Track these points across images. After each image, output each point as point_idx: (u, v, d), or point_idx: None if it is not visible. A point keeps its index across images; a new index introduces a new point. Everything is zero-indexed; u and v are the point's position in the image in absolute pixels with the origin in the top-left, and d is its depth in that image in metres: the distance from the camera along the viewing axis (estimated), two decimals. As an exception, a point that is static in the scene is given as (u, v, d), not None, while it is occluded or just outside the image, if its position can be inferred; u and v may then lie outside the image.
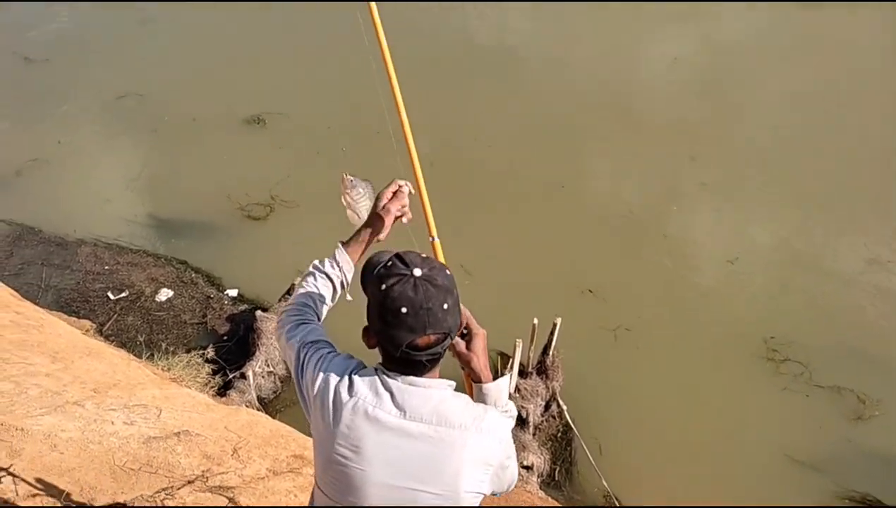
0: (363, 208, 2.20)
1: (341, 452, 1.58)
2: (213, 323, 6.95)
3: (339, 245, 2.03)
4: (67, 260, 7.39)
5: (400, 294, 1.56)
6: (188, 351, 6.20)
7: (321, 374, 1.66)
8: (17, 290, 6.20)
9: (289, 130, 8.94)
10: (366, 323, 1.66)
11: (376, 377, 1.64)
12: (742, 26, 11.01)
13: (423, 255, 1.68)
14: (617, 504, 5.24)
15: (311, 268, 2.00)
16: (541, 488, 5.30)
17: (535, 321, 5.72)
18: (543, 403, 5.94)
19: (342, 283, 2.04)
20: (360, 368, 1.69)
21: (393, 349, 1.59)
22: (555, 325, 5.78)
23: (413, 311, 1.55)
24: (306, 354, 1.72)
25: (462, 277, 6.98)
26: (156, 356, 5.80)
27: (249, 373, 5.99)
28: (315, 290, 1.95)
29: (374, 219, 2.05)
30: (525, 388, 5.84)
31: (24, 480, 2.59)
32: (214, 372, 6.10)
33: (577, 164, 8.61)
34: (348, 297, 2.06)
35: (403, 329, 1.56)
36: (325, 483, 1.65)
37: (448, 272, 1.66)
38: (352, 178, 2.22)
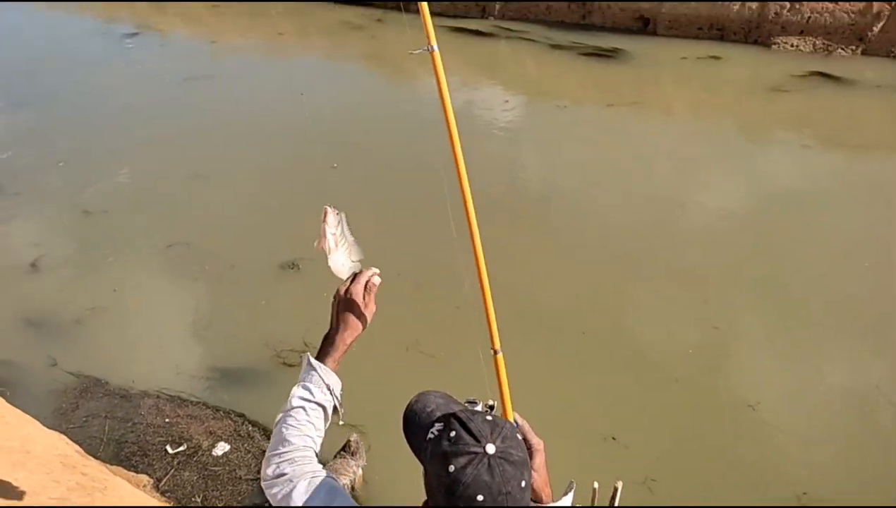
0: (342, 252, 1.94)
1: None
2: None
3: (316, 362, 1.77)
4: (130, 413, 7.54)
5: (474, 479, 1.33)
6: (243, 509, 6.12)
7: None
8: (80, 444, 6.32)
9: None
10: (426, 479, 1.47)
11: None
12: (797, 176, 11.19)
13: (489, 417, 1.45)
14: None
15: (297, 401, 1.76)
16: None
17: (596, 485, 5.53)
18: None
19: (335, 408, 1.84)
20: None
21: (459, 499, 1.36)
22: (616, 490, 5.57)
23: (491, 498, 1.34)
24: None
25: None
26: (211, 519, 5.75)
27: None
28: (311, 427, 1.75)
29: (348, 318, 1.82)
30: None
31: None
32: (268, 534, 5.99)
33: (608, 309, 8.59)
34: (341, 422, 1.88)
35: (513, 491, 1.35)
36: None
37: (519, 437, 1.47)
38: (337, 212, 1.93)
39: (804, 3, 15.74)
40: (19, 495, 3.75)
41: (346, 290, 1.85)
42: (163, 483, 6.66)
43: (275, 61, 18.65)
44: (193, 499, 6.36)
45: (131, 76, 17.46)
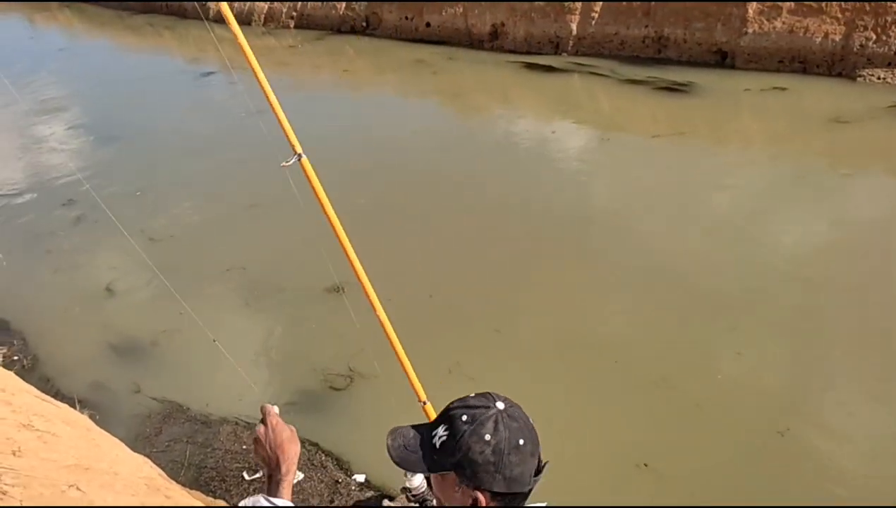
0: None
1: None
2: (338, 515, 6.95)
3: (269, 500, 1.72)
4: (210, 439, 7.74)
5: (510, 431, 1.54)
6: (316, 540, 6.16)
7: None
8: (163, 468, 6.51)
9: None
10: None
11: None
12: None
13: (472, 395, 1.66)
14: None
15: None
16: None
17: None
18: None
19: None
20: None
21: (524, 485, 1.55)
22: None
23: (530, 437, 1.56)
24: None
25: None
26: None
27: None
28: None
29: (284, 447, 1.81)
30: None
31: None
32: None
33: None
34: None
35: (528, 457, 1.55)
36: None
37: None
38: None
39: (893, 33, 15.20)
40: (110, 515, 3.89)
41: (268, 428, 1.85)
42: (239, 508, 6.78)
43: (339, 95, 19.26)
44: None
45: (207, 110, 18.31)
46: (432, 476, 1.69)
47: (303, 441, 7.77)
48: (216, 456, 7.54)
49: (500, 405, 1.59)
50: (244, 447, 7.65)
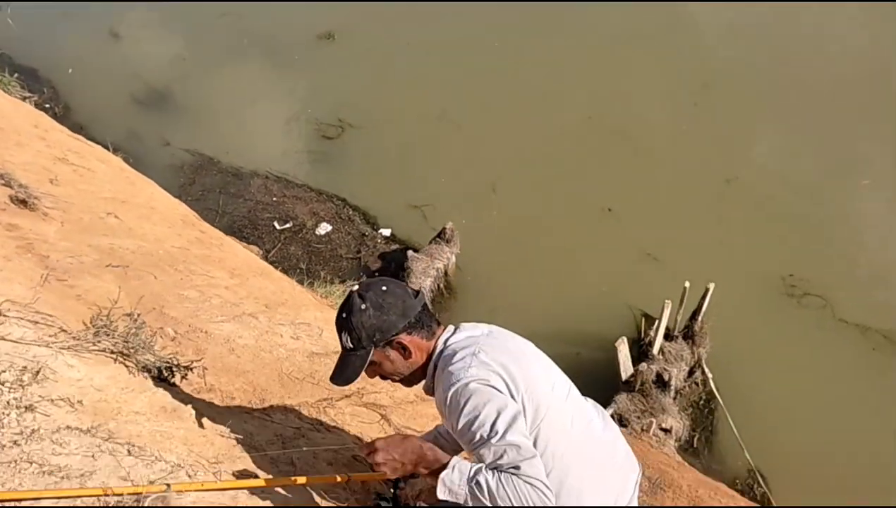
0: None
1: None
2: (367, 260, 7.30)
3: (452, 479, 1.73)
4: (241, 190, 7.98)
5: (369, 289, 1.89)
6: (343, 282, 6.54)
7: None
8: (198, 213, 6.77)
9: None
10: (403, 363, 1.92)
11: (460, 338, 1.91)
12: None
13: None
14: (761, 480, 5.06)
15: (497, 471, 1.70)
16: (678, 452, 5.23)
17: (687, 284, 5.57)
18: (687, 368, 5.81)
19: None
20: (473, 358, 1.81)
21: (416, 306, 1.89)
22: (707, 290, 5.60)
23: (384, 282, 1.93)
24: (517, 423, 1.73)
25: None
26: (315, 284, 6.17)
27: (398, 309, 6.26)
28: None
29: (417, 459, 1.79)
30: (669, 351, 5.73)
31: (208, 375, 2.89)
32: (366, 306, 6.43)
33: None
34: None
35: (397, 289, 1.91)
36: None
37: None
38: None
39: None
40: (149, 240, 4.11)
41: (386, 452, 1.80)
42: (271, 254, 7.16)
43: None
44: (299, 267, 6.84)
45: None
46: (380, 374, 1.97)
47: (331, 197, 8.02)
48: (248, 206, 7.82)
49: (354, 286, 1.93)
50: (274, 199, 7.90)
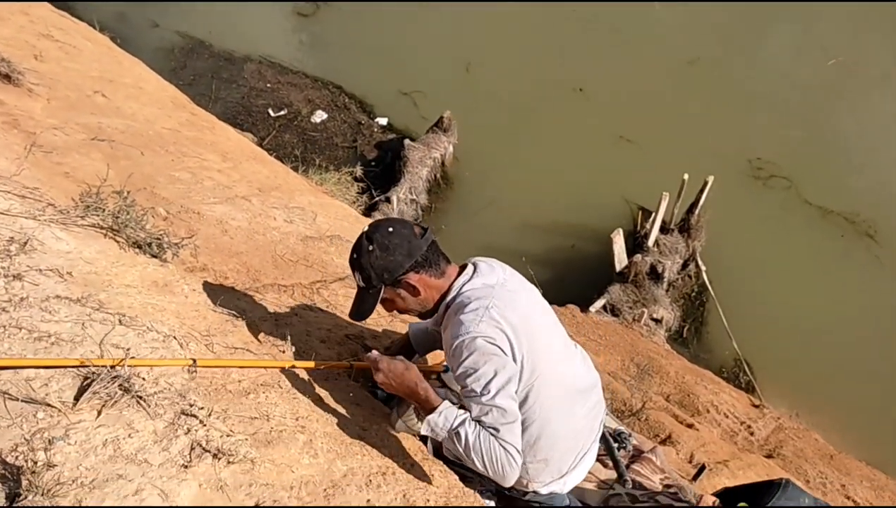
0: None
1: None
2: (363, 148, 7.20)
3: (436, 421, 1.84)
4: (234, 75, 7.77)
5: (375, 230, 1.90)
6: (339, 170, 6.47)
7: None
8: (190, 99, 6.61)
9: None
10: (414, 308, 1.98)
11: (476, 286, 1.91)
12: None
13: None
14: (747, 369, 5.18)
15: (479, 427, 1.83)
16: (667, 341, 5.33)
17: (685, 176, 5.51)
18: (681, 261, 5.84)
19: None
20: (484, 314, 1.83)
21: (422, 245, 1.90)
22: (705, 183, 5.55)
23: (390, 222, 1.94)
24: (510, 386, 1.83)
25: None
26: (310, 171, 6.11)
27: (394, 198, 6.23)
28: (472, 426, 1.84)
29: (410, 387, 1.88)
30: (664, 244, 5.74)
31: (201, 255, 2.89)
32: (362, 192, 6.39)
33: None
34: None
35: (403, 229, 1.91)
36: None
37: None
38: None
39: None
40: (139, 120, 4.02)
41: (383, 372, 1.88)
42: (266, 141, 7.04)
43: None
44: (294, 154, 6.76)
45: None
46: (395, 309, 2.02)
47: (326, 84, 7.83)
48: (242, 92, 7.63)
49: (364, 228, 1.94)
50: (268, 85, 7.70)
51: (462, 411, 1.86)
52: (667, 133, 6.81)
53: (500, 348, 1.81)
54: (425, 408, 1.87)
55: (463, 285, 1.93)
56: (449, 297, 1.94)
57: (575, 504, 2.28)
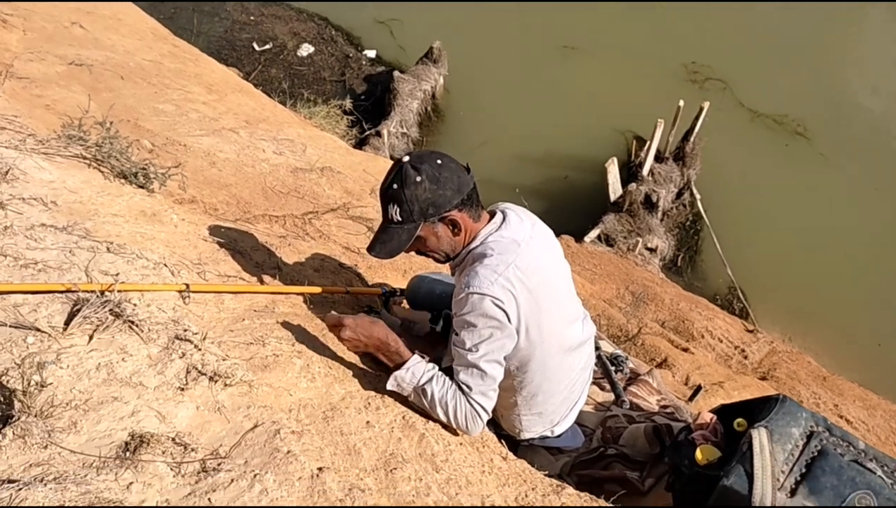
0: None
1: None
2: (352, 82, 7.05)
3: (403, 377, 1.81)
4: (216, 8, 7.53)
5: (424, 161, 1.76)
6: (327, 103, 6.34)
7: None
8: (171, 33, 6.42)
9: None
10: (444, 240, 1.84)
11: (504, 239, 1.82)
12: None
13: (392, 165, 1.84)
14: (741, 295, 5.20)
15: (448, 383, 1.82)
16: (662, 270, 5.33)
17: (681, 103, 5.43)
18: (676, 190, 5.80)
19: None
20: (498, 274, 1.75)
21: (468, 183, 1.81)
22: (701, 109, 5.47)
23: (439, 155, 1.80)
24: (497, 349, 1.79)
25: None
26: (298, 104, 5.98)
27: (384, 132, 6.12)
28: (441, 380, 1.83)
29: (380, 344, 1.83)
30: (659, 173, 5.69)
31: (189, 187, 2.83)
32: (351, 125, 6.28)
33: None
34: None
35: (452, 164, 1.80)
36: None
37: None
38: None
39: None
40: (118, 51, 3.89)
41: (351, 330, 1.81)
42: (252, 76, 6.87)
43: None
44: (281, 89, 6.61)
45: None
46: (420, 249, 1.89)
47: (311, 17, 7.61)
48: (225, 26, 7.41)
49: (406, 158, 1.77)
50: (252, 18, 7.47)
51: (431, 366, 1.83)
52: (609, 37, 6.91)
53: (506, 313, 1.75)
54: (394, 362, 1.82)
55: (489, 234, 1.84)
56: (474, 244, 1.85)
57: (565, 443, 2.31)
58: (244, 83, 4.99)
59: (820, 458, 1.82)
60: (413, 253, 1.92)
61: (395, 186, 1.76)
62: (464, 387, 1.78)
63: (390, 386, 1.81)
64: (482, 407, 1.77)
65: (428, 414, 1.82)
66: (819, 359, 4.40)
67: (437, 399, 1.77)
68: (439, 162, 1.78)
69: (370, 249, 1.85)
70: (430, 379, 1.79)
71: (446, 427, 1.84)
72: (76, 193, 2.06)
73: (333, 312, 1.90)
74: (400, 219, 1.78)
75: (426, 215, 1.77)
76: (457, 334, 1.81)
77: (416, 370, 1.80)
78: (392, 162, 1.81)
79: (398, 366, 1.81)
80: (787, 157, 6.16)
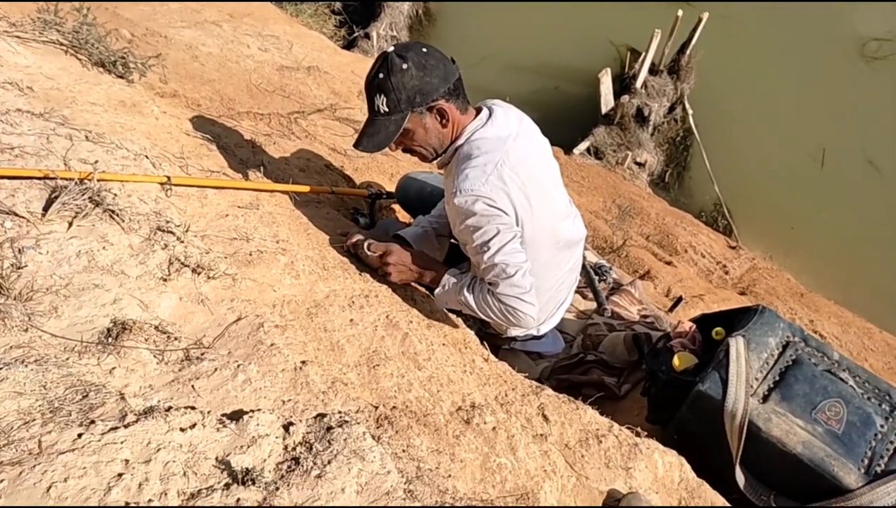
0: None
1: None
2: (340, -20, 6.77)
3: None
4: None
5: (409, 49, 1.73)
6: (315, 1, 6.10)
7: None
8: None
9: None
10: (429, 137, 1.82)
11: (489, 136, 1.81)
12: None
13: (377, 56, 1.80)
14: (727, 212, 5.21)
15: (478, 287, 1.87)
16: (649, 185, 5.32)
17: (680, 13, 5.27)
18: (668, 105, 5.71)
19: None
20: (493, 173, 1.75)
21: (454, 72, 1.79)
22: (700, 20, 5.32)
23: (423, 44, 1.77)
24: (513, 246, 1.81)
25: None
26: (284, 1, 5.76)
27: (374, 34, 5.94)
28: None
29: (397, 259, 1.91)
30: (652, 86, 5.58)
31: (171, 81, 2.74)
32: (339, 25, 6.08)
33: None
34: None
35: (436, 52, 1.77)
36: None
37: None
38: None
39: None
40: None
41: (379, 255, 1.91)
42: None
43: None
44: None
45: None
46: (408, 144, 1.86)
47: None
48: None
49: (390, 48, 1.74)
50: None
51: (459, 276, 1.90)
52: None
53: (501, 210, 1.75)
54: (432, 282, 1.91)
55: (475, 131, 1.82)
56: (460, 141, 1.83)
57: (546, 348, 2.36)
58: (227, -26, 4.77)
59: (794, 367, 1.87)
60: (400, 150, 1.90)
61: (380, 76, 1.73)
62: (490, 287, 1.83)
63: (438, 304, 1.94)
64: (515, 297, 1.80)
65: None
66: (798, 277, 4.45)
67: (474, 304, 1.85)
68: (424, 50, 1.76)
69: (357, 144, 1.82)
70: (462, 289, 1.87)
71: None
72: (53, 80, 1.98)
73: (370, 240, 1.93)
74: (387, 109, 1.75)
75: (413, 103, 1.74)
76: (466, 243, 1.84)
77: (449, 283, 1.89)
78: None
79: (436, 284, 1.90)
80: (782, 76, 6.05)
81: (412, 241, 2.07)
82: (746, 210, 5.42)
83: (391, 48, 1.77)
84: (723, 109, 5.87)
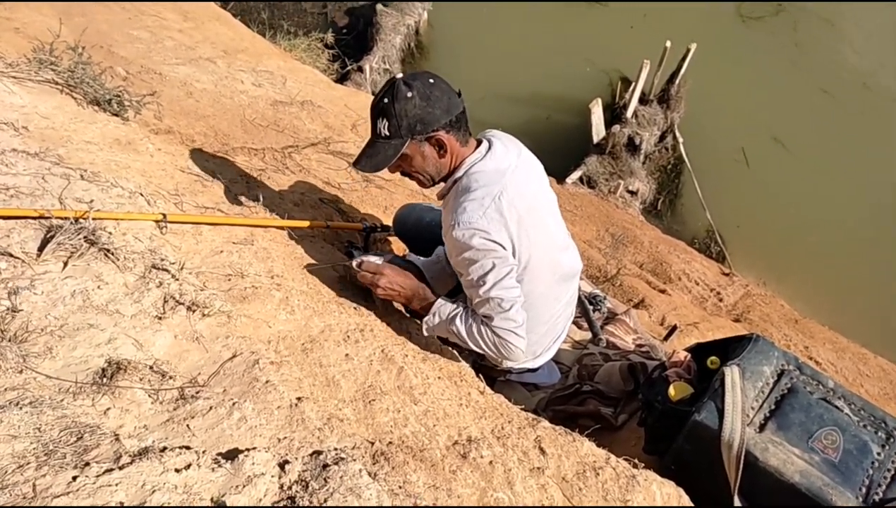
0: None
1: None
2: (334, 15, 6.87)
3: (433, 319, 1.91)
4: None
5: (416, 79, 1.77)
6: (308, 35, 6.18)
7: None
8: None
9: None
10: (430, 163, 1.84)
11: (488, 169, 1.83)
12: None
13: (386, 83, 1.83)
14: (719, 239, 5.24)
15: (471, 319, 1.87)
16: (641, 213, 5.35)
17: (668, 44, 5.36)
18: (659, 133, 5.77)
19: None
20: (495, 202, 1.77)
21: (459, 105, 1.82)
22: (688, 51, 5.40)
23: (430, 74, 1.82)
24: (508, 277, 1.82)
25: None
26: (278, 36, 5.83)
27: (367, 67, 6.00)
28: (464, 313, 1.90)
29: (400, 284, 1.91)
30: (643, 115, 5.65)
31: (165, 117, 2.76)
32: (333, 59, 6.15)
33: None
34: None
35: (442, 84, 1.81)
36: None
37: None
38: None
39: None
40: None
41: (383, 276, 1.91)
42: (230, 5, 6.66)
43: None
44: (261, 19, 6.42)
45: None
46: (405, 169, 1.89)
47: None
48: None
49: (399, 75, 1.80)
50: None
51: (454, 306, 1.90)
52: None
53: (498, 243, 1.77)
54: (423, 308, 1.91)
55: (474, 163, 1.84)
56: (459, 173, 1.86)
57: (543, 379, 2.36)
58: (222, 12, 4.83)
59: (789, 395, 1.87)
60: (398, 173, 1.92)
61: (385, 101, 1.77)
62: (485, 320, 1.84)
63: (424, 332, 1.93)
64: (509, 331, 1.82)
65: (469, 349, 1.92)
66: (792, 303, 4.47)
67: (466, 336, 1.85)
68: (431, 81, 1.80)
69: (356, 163, 1.86)
70: (454, 318, 1.87)
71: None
72: (48, 119, 2.00)
73: (370, 257, 1.94)
74: (388, 133, 1.79)
75: (414, 131, 1.78)
76: (461, 274, 1.85)
77: (442, 312, 1.89)
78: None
79: (426, 312, 1.90)
80: (771, 102, 6.14)
81: (423, 268, 2.08)
82: (739, 237, 5.45)
83: (400, 74, 1.82)
84: (712, 137, 5.94)
